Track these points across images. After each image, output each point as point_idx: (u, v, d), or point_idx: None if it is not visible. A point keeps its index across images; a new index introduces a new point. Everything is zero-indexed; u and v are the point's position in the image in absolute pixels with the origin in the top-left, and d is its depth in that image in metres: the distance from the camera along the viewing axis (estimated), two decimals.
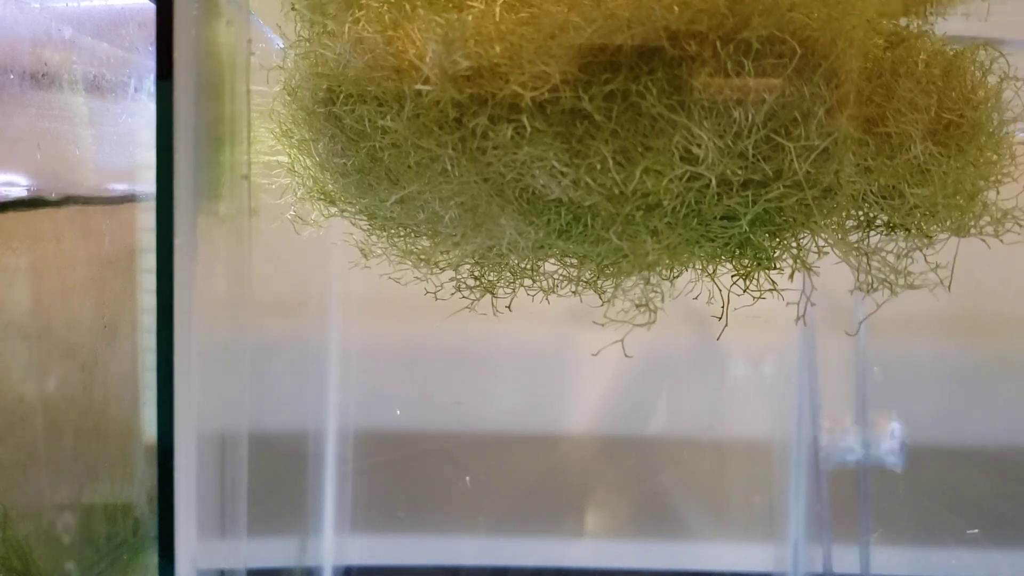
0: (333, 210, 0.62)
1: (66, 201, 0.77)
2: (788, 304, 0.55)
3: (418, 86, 0.47)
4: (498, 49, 0.46)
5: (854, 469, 0.97)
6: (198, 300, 0.60)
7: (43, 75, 0.73)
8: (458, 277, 0.60)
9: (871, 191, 0.53)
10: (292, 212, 0.66)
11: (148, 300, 0.87)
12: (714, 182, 0.48)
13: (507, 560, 1.02)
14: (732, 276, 0.56)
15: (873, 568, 0.97)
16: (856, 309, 0.92)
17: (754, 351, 0.99)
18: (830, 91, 0.48)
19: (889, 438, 0.94)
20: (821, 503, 0.98)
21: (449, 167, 0.49)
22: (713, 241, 0.52)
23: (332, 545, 1.02)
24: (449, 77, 0.46)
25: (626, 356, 0.52)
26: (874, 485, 0.97)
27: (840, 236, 0.53)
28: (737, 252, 0.55)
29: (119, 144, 0.83)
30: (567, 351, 1.00)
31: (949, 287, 0.54)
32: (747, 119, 0.47)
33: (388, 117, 0.49)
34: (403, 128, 0.49)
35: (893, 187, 0.52)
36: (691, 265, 0.56)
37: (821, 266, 0.55)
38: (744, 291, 0.56)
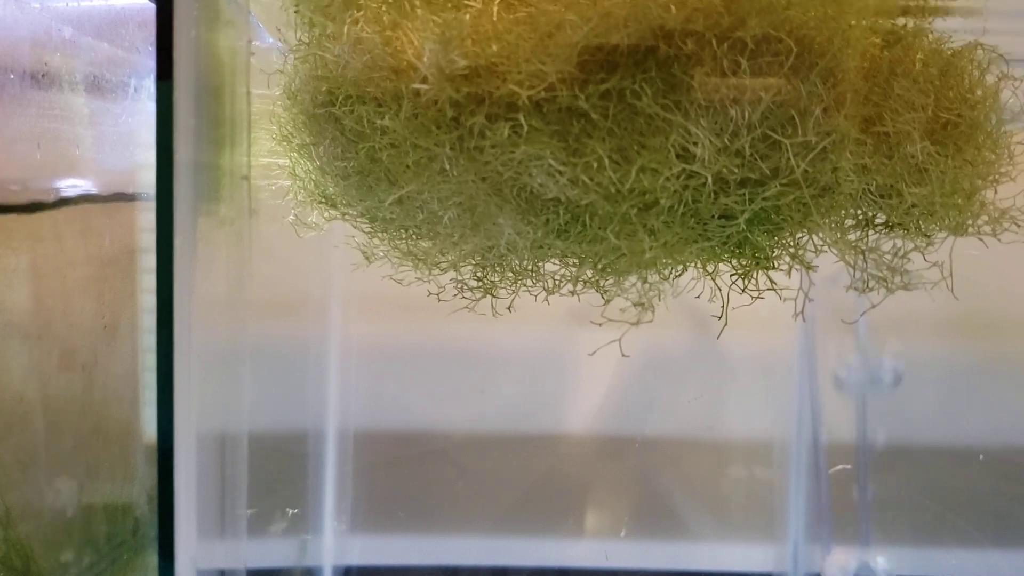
0: (334, 213, 0.62)
1: (66, 201, 0.77)
2: (787, 302, 0.55)
3: (416, 85, 0.47)
4: (495, 48, 0.46)
5: (854, 467, 0.97)
6: (198, 300, 0.60)
7: (43, 75, 0.73)
8: (460, 278, 0.60)
9: (869, 190, 0.53)
10: (293, 215, 0.66)
11: (148, 300, 0.87)
12: (710, 180, 0.48)
13: (507, 560, 1.02)
14: (731, 275, 0.56)
15: None
16: (857, 309, 0.92)
17: (754, 351, 0.98)
18: (827, 90, 0.48)
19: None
20: (821, 503, 0.98)
21: (447, 166, 0.49)
22: (711, 240, 0.52)
23: (332, 545, 1.02)
24: (446, 76, 0.47)
25: (623, 356, 0.52)
26: (874, 485, 0.97)
27: (839, 235, 0.53)
28: (735, 251, 0.55)
29: (119, 144, 0.83)
30: (567, 351, 1.00)
31: (952, 290, 0.54)
32: (744, 118, 0.47)
33: (387, 117, 0.49)
34: (401, 128, 0.49)
35: (891, 186, 0.52)
36: (691, 264, 0.56)
37: (821, 265, 0.55)
38: (743, 290, 0.56)
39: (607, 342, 0.53)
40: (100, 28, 0.79)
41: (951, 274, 0.55)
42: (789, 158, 0.47)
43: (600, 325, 0.52)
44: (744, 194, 0.49)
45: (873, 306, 0.54)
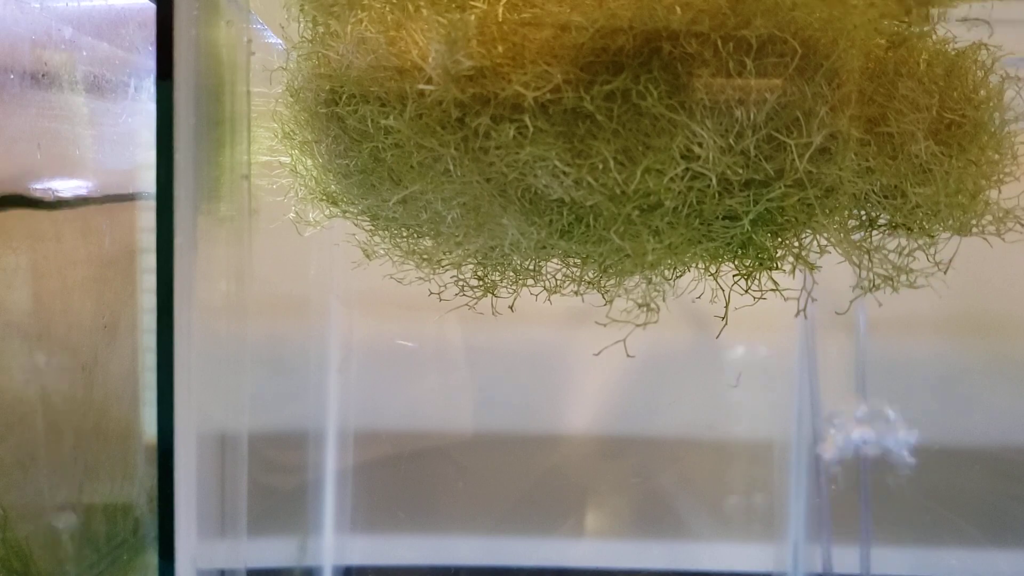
0: (335, 211, 0.62)
1: (66, 201, 0.77)
2: (788, 301, 0.55)
3: (421, 86, 0.47)
4: (500, 49, 0.46)
5: (854, 467, 0.97)
6: (198, 300, 0.60)
7: (43, 75, 0.72)
8: (461, 277, 0.60)
9: (873, 191, 0.53)
10: (293, 213, 0.66)
11: (148, 300, 0.87)
12: (715, 181, 0.48)
13: (507, 560, 1.02)
14: (733, 276, 0.56)
15: (873, 568, 0.97)
16: (857, 309, 0.92)
17: (754, 351, 0.99)
18: (832, 91, 0.48)
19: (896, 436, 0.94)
20: (821, 503, 0.98)
21: (451, 167, 0.49)
22: (714, 241, 0.52)
23: (332, 545, 1.02)
24: (452, 77, 0.46)
25: (628, 356, 0.52)
26: (874, 485, 0.97)
27: (843, 235, 0.53)
28: (739, 252, 0.55)
29: (119, 144, 0.83)
30: (567, 351, 1.00)
31: (947, 269, 0.54)
32: (749, 118, 0.47)
33: (391, 117, 0.49)
34: (406, 128, 0.49)
35: (895, 186, 0.53)
36: (693, 265, 0.56)
37: (822, 265, 0.55)
38: (745, 291, 0.56)
39: (611, 343, 0.53)
40: (100, 28, 0.79)
41: (948, 270, 0.55)
42: (794, 159, 0.47)
43: (605, 326, 0.52)
44: (748, 195, 0.49)
45: (880, 305, 0.54)
